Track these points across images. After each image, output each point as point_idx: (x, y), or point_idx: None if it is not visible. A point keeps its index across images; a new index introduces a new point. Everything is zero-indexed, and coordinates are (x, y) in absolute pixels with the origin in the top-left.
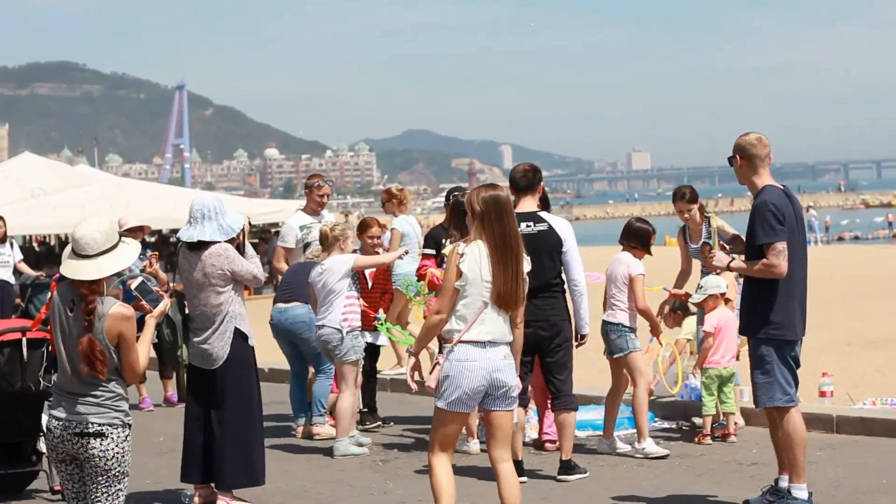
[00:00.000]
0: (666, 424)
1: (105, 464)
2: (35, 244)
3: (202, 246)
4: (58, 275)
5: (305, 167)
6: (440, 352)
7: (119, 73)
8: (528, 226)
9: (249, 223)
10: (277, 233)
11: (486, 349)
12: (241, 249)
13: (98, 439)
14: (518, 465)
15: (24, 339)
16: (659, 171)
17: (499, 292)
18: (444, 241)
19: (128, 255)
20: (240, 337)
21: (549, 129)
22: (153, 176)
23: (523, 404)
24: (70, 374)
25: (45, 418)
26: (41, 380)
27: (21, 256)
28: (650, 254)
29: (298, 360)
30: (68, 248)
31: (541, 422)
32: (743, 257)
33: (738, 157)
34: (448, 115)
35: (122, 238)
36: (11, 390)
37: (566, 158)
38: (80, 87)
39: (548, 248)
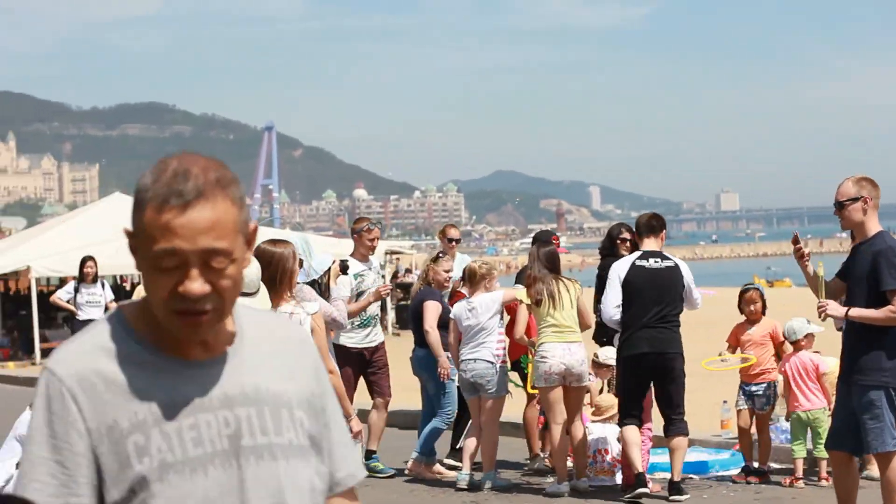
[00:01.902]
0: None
1: None
2: (125, 284)
3: None
4: None
5: (394, 208)
6: None
7: (208, 114)
8: (655, 261)
9: (341, 266)
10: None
11: None
12: (324, 291)
13: None
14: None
15: None
16: (748, 211)
17: None
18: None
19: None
20: None
21: (638, 170)
22: None
23: (639, 424)
24: None
25: None
26: None
27: (112, 296)
28: None
29: (428, 399)
30: None
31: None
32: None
33: (866, 199)
34: (537, 155)
35: None
36: None
37: (654, 199)
38: (169, 127)
39: (673, 283)
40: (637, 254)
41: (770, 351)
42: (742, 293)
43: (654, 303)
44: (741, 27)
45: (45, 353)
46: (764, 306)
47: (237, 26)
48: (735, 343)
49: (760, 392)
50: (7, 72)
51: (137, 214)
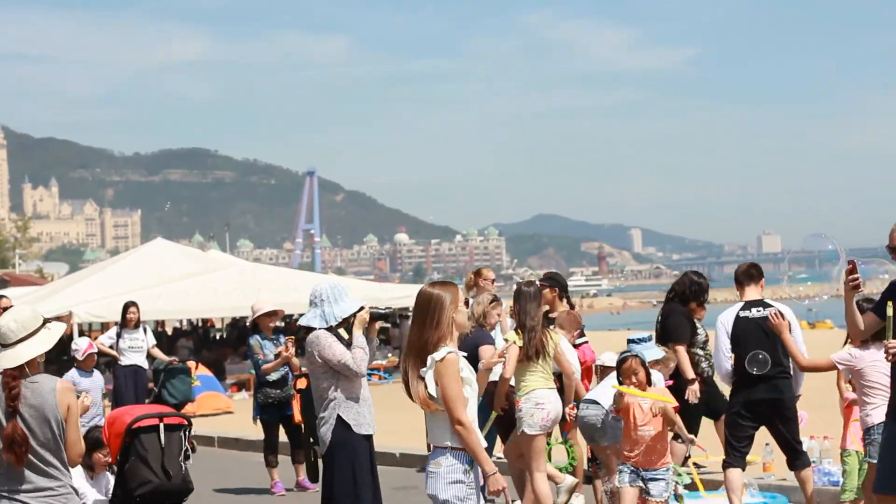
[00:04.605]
0: None
1: None
2: (165, 330)
3: (309, 332)
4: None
5: (435, 252)
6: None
7: (250, 160)
8: (758, 310)
9: (372, 314)
10: (407, 317)
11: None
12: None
13: None
14: None
15: (161, 425)
16: (789, 253)
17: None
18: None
19: (47, 339)
20: (341, 424)
21: (679, 213)
22: (284, 261)
23: (744, 466)
24: (8, 468)
25: None
26: (182, 465)
27: (154, 342)
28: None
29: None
30: None
31: None
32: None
33: None
34: (578, 199)
35: (46, 324)
36: (152, 476)
37: (696, 242)
38: (211, 173)
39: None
40: (739, 304)
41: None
42: (620, 363)
43: (764, 350)
44: (784, 70)
45: None
46: (648, 376)
47: (280, 72)
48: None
49: (660, 478)
50: (51, 119)
51: None
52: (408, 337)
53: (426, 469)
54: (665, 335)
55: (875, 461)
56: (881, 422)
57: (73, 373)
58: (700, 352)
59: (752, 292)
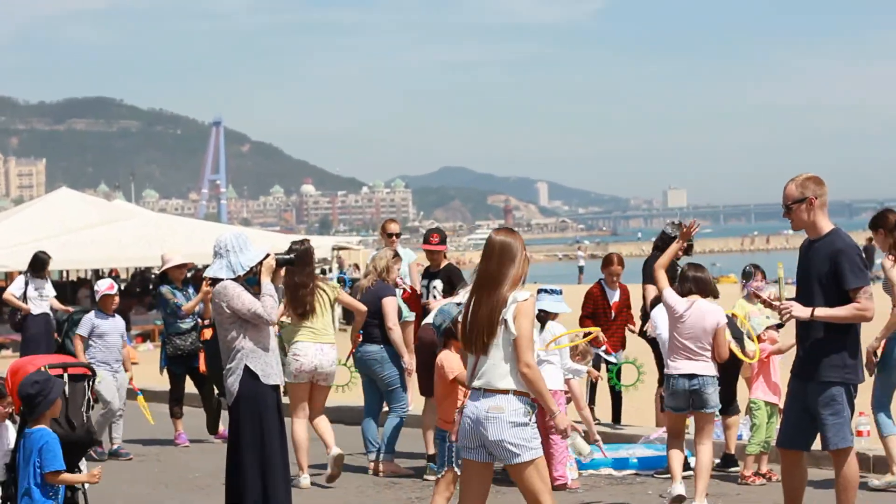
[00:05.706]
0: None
1: None
2: (69, 280)
3: (215, 283)
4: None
5: (342, 203)
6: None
7: (156, 109)
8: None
9: (278, 260)
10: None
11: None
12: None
13: None
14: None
15: (65, 375)
16: (695, 208)
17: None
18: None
19: None
20: (249, 374)
21: (585, 167)
22: (189, 211)
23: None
24: None
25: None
26: (85, 415)
27: (54, 293)
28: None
29: (371, 396)
30: None
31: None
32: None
33: (811, 199)
34: (484, 152)
35: None
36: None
37: (602, 196)
38: (116, 122)
39: None
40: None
41: None
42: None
43: None
44: (691, 25)
45: None
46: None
47: (185, 21)
48: None
49: None
50: None
51: None
52: (481, 276)
53: (481, 413)
54: (644, 279)
55: (671, 410)
56: (675, 375)
57: (91, 315)
58: None
59: None
